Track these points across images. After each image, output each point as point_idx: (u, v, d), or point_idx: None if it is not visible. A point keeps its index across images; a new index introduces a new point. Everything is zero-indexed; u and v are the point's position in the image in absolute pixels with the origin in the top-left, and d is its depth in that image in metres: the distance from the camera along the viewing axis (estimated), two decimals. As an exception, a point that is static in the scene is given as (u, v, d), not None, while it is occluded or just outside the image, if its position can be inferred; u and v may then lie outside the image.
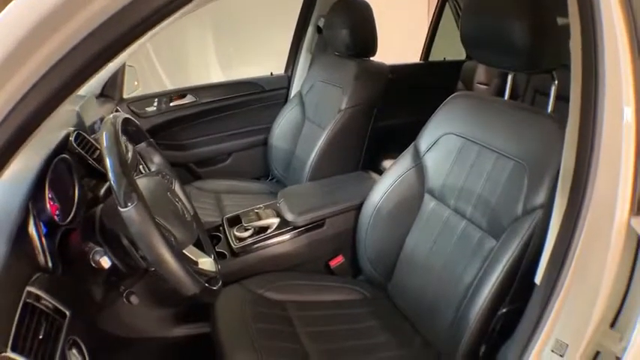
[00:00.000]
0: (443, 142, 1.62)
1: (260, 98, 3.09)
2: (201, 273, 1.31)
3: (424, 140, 1.68)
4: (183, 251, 1.31)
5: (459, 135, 1.57)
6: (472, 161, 1.50)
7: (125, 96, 2.85)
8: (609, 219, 0.95)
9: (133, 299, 1.35)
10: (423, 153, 1.67)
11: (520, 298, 1.21)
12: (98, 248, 1.25)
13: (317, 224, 1.95)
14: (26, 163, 1.26)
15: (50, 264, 1.16)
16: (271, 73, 3.16)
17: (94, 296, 1.31)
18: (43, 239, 1.17)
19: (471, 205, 1.47)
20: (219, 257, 1.91)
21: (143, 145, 1.50)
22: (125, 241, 1.25)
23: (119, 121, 1.28)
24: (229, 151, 3.08)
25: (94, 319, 1.28)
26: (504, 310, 1.28)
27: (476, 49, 1.52)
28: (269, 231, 1.95)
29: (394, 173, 1.72)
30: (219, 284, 1.33)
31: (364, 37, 2.39)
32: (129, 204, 1.06)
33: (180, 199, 1.34)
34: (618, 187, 0.94)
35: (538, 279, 1.11)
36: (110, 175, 1.10)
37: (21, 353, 0.94)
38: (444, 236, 1.54)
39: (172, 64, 6.25)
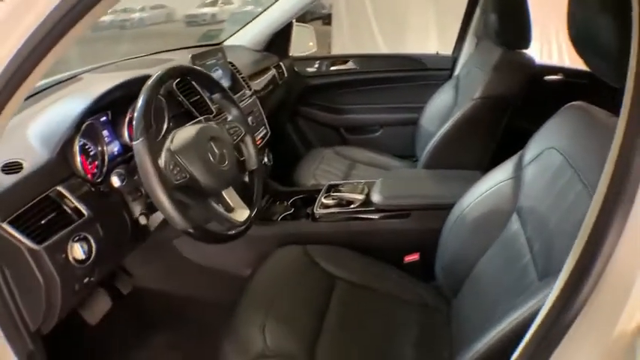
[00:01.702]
0: (545, 157, 1.34)
1: (421, 76, 3.04)
2: (225, 218, 1.43)
3: (530, 150, 1.43)
4: (224, 195, 1.45)
5: (560, 152, 1.34)
6: (560, 187, 1.22)
7: (293, 54, 3.02)
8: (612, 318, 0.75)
9: (142, 219, 1.47)
10: (525, 164, 1.42)
11: None
12: (119, 170, 1.42)
13: (401, 213, 1.91)
14: (100, 88, 1.49)
15: (85, 174, 1.37)
16: (437, 53, 3.08)
17: (116, 212, 1.47)
18: (84, 156, 1.39)
19: (539, 241, 1.22)
20: (304, 217, 2.04)
21: (218, 95, 1.59)
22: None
23: (171, 70, 1.41)
24: (380, 124, 3.10)
25: (112, 232, 1.42)
26: None
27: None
28: (352, 206, 1.96)
29: (491, 180, 1.52)
30: (235, 232, 1.43)
31: (512, 26, 2.20)
32: (139, 138, 1.23)
33: (225, 149, 1.44)
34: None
35: None
36: (136, 110, 1.27)
37: (16, 228, 1.13)
38: (509, 269, 1.31)
39: (390, 30, 6.37)
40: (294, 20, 2.94)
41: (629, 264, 0.74)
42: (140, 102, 1.28)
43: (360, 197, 1.96)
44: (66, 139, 1.34)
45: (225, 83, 2.14)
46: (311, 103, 3.20)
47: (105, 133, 1.48)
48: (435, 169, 2.25)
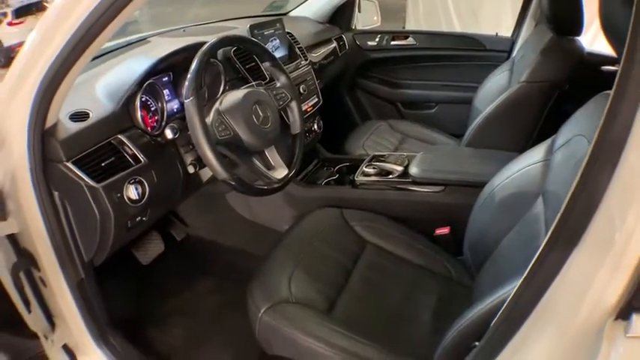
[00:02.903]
0: (573, 143, 1.34)
1: (479, 56, 3.04)
2: (263, 174, 1.59)
3: (561, 135, 1.44)
4: (265, 153, 1.62)
5: (588, 139, 1.37)
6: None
7: (356, 27, 3.11)
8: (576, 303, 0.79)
9: (190, 168, 1.62)
10: (555, 149, 1.44)
11: None
12: (173, 124, 1.57)
13: (436, 187, 1.98)
14: (163, 51, 1.66)
15: (145, 127, 1.53)
16: (496, 34, 3.08)
17: (170, 162, 1.62)
18: (145, 111, 1.56)
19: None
20: (346, 184, 2.17)
21: (267, 63, 1.72)
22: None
23: (223, 39, 1.56)
24: (436, 101, 3.14)
25: (165, 178, 1.57)
26: None
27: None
28: (390, 176, 2.06)
29: (523, 162, 1.54)
30: (270, 188, 1.57)
31: (563, 12, 2.17)
32: (189, 97, 1.38)
33: (269, 112, 1.59)
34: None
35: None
36: (189, 73, 1.42)
37: (79, 167, 1.30)
38: (524, 249, 1.32)
39: (466, 9, 6.28)
40: None
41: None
42: (193, 65, 1.43)
43: (399, 168, 2.06)
44: (129, 95, 1.50)
45: (282, 52, 2.26)
46: (370, 76, 3.26)
47: (166, 92, 1.65)
48: (477, 147, 2.29)
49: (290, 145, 1.75)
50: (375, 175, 2.08)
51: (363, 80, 3.28)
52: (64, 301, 1.44)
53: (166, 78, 1.67)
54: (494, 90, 2.59)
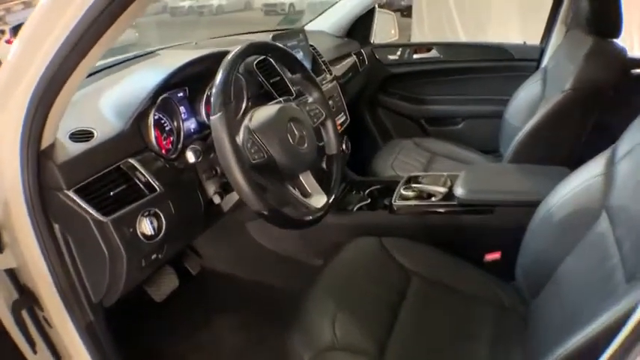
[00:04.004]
0: (637, 153, 1.27)
1: (507, 67, 2.89)
2: (302, 203, 1.38)
3: (622, 145, 1.33)
4: (301, 179, 1.41)
5: None
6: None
7: (374, 41, 2.96)
8: None
9: (216, 198, 1.43)
10: (618, 160, 1.33)
11: None
12: (195, 146, 1.37)
13: (485, 208, 1.81)
14: (177, 61, 1.47)
15: (160, 149, 1.34)
16: (524, 42, 2.93)
17: (189, 189, 1.43)
18: (159, 130, 1.37)
19: (630, 241, 1.14)
20: (380, 209, 1.97)
21: (299, 76, 1.52)
22: None
23: (253, 45, 1.36)
24: (463, 116, 2.99)
25: (184, 209, 1.38)
26: None
27: None
28: (433, 199, 1.87)
29: (580, 176, 1.42)
30: (311, 218, 1.37)
31: (604, 12, 2.04)
32: (217, 112, 1.18)
33: (305, 131, 1.39)
34: None
35: None
36: (215, 84, 1.22)
37: (83, 197, 1.12)
38: (594, 271, 1.23)
39: (472, 22, 6.22)
40: (376, 5, 2.87)
41: None
42: (220, 76, 1.23)
43: (442, 190, 1.87)
44: (140, 112, 1.31)
45: (306, 66, 2.08)
46: (391, 92, 3.12)
47: (182, 109, 1.45)
48: (520, 163, 2.12)
49: (323, 168, 1.57)
50: (415, 198, 1.89)
51: (384, 97, 3.13)
52: (71, 343, 1.27)
53: (181, 93, 1.48)
54: (527, 102, 2.46)
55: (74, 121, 1.23)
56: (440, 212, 1.86)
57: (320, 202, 1.41)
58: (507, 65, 2.89)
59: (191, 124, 1.48)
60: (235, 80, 1.52)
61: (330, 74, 2.21)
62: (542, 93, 2.40)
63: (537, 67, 2.79)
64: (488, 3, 6.09)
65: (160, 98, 1.36)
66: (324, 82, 2.12)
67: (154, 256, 1.29)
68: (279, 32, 2.04)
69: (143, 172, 1.25)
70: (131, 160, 1.25)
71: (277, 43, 1.50)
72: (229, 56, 1.28)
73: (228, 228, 2.12)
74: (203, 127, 1.49)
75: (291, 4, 15.30)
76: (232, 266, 2.19)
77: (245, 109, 1.58)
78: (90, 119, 1.27)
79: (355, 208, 2.03)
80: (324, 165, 1.56)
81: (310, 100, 1.55)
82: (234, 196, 1.50)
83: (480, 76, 2.94)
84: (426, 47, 2.98)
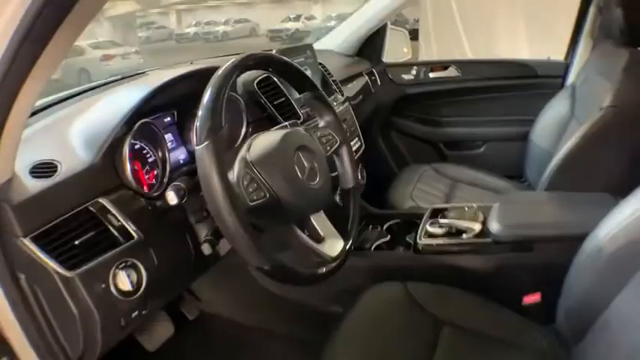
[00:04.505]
0: None
1: (530, 84, 2.71)
2: (313, 251, 1.15)
3: None
4: (312, 220, 1.17)
5: None
6: None
7: (385, 60, 2.80)
8: None
9: (205, 248, 1.19)
10: None
11: None
12: (178, 183, 1.13)
13: (523, 246, 1.61)
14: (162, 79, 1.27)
15: (139, 186, 1.13)
16: (548, 58, 2.78)
17: (176, 235, 1.22)
18: (140, 162, 1.16)
19: None
20: (403, 247, 1.78)
21: (308, 95, 1.29)
22: None
23: (248, 57, 1.13)
24: (484, 139, 2.80)
25: (170, 259, 1.17)
26: None
27: None
28: (464, 236, 1.65)
29: (633, 204, 1.26)
30: (325, 271, 1.14)
31: (637, 22, 1.88)
32: (203, 141, 0.95)
33: (316, 162, 1.16)
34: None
35: None
36: (200, 107, 1.00)
37: (42, 247, 0.92)
38: None
39: (481, 44, 6.11)
40: (388, 22, 2.71)
41: None
42: (208, 94, 1.00)
43: (476, 226, 1.65)
44: (113, 140, 1.09)
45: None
46: (406, 115, 2.93)
47: (168, 136, 1.25)
48: (557, 191, 1.92)
49: (339, 203, 1.37)
50: (444, 235, 1.67)
51: (399, 119, 2.94)
52: None
53: (169, 118, 1.27)
54: (555, 122, 2.29)
55: (38, 152, 1.05)
56: (473, 251, 1.65)
57: (335, 249, 1.18)
58: (530, 83, 2.72)
59: (179, 155, 1.27)
60: (231, 101, 1.31)
61: (342, 95, 2.01)
62: (571, 112, 2.22)
63: (563, 85, 2.62)
64: (494, 21, 6.00)
65: (139, 123, 1.14)
66: (335, 103, 1.92)
67: (134, 314, 1.08)
68: (284, 48, 1.83)
69: (117, 214, 1.03)
70: (102, 200, 1.03)
71: (282, 56, 1.26)
72: (220, 70, 1.05)
73: (229, 268, 1.89)
74: (195, 159, 1.26)
75: (296, 30, 15.36)
76: (234, 311, 1.97)
77: (244, 137, 1.36)
78: (56, 150, 1.07)
79: (373, 247, 1.83)
80: (338, 200, 1.33)
81: (322, 124, 1.31)
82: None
83: (501, 95, 2.76)
84: (443, 65, 2.80)
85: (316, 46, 2.56)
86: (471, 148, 2.83)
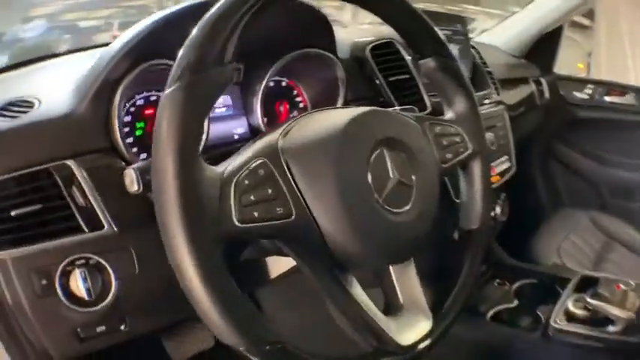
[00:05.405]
0: None
1: None
2: (372, 327, 0.68)
3: None
4: (391, 274, 0.74)
5: None
6: None
7: (556, 70, 2.43)
8: None
9: None
10: None
11: None
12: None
13: None
14: None
15: (128, 154, 0.80)
16: None
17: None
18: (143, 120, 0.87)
19: None
20: (530, 322, 1.36)
21: (433, 61, 0.80)
22: None
23: None
24: (658, 191, 2.33)
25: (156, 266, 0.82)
26: None
27: None
28: (610, 329, 1.18)
29: None
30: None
31: None
32: (170, 86, 0.55)
33: (414, 173, 0.72)
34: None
35: None
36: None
37: None
38: None
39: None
40: (565, 25, 2.31)
41: None
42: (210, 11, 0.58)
43: (625, 314, 1.18)
44: (103, 84, 0.78)
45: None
46: (572, 143, 2.46)
47: (224, 99, 0.95)
48: None
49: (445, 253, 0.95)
50: (584, 321, 1.22)
51: (562, 147, 2.48)
52: None
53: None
54: None
55: (17, 88, 0.84)
56: (617, 351, 1.21)
57: (413, 332, 0.72)
58: None
59: (236, 127, 0.97)
60: (327, 67, 0.99)
61: (497, 94, 1.59)
62: None
63: None
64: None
65: (143, 65, 0.80)
66: (485, 100, 1.50)
67: (100, 328, 0.78)
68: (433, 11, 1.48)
69: (86, 188, 0.73)
70: (69, 164, 0.73)
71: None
72: None
73: (295, 282, 1.55)
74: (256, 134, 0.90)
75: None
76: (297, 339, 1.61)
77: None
78: (37, 87, 0.85)
79: (491, 313, 1.41)
80: (445, 246, 0.90)
81: (448, 115, 0.85)
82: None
83: None
84: (622, 90, 2.31)
85: (478, 40, 2.23)
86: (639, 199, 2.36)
